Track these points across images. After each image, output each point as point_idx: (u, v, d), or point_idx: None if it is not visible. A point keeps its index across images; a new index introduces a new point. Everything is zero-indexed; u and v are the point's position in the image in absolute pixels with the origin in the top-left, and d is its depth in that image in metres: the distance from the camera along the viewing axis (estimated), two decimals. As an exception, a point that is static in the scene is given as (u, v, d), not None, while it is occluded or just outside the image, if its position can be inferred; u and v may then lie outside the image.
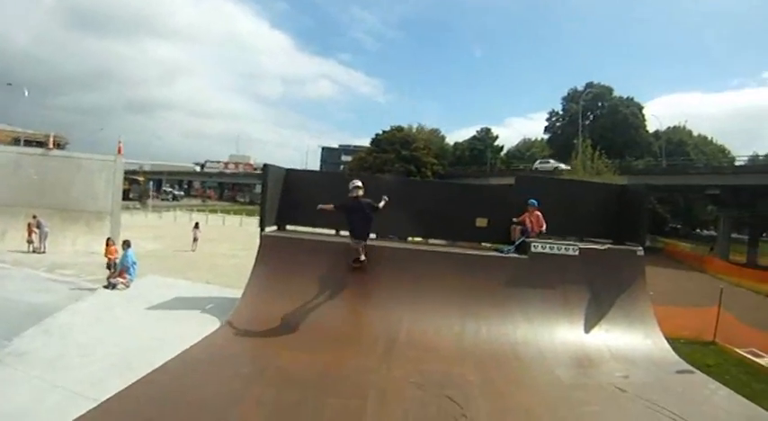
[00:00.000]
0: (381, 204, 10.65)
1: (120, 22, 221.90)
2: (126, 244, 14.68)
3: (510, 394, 7.67)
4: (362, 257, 10.76)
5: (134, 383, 6.95)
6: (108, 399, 6.39)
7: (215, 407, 6.55)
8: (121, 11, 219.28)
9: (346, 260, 10.95)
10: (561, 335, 9.98)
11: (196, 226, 31.88)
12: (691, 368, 9.44)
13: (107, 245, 16.91)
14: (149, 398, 6.73)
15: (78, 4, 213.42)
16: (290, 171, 13.49)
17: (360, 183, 10.75)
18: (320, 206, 10.40)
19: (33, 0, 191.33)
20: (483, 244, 13.08)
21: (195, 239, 30.53)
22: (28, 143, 47.98)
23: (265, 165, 12.42)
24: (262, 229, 12.05)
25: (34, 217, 22.81)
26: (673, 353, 9.88)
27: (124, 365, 7.64)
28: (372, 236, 13.22)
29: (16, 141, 51.88)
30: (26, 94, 65.56)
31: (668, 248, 57.18)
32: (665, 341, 10.17)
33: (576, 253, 11.09)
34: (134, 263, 14.03)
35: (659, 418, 7.04)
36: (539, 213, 11.68)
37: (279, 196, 12.76)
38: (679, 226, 78.66)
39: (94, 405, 6.24)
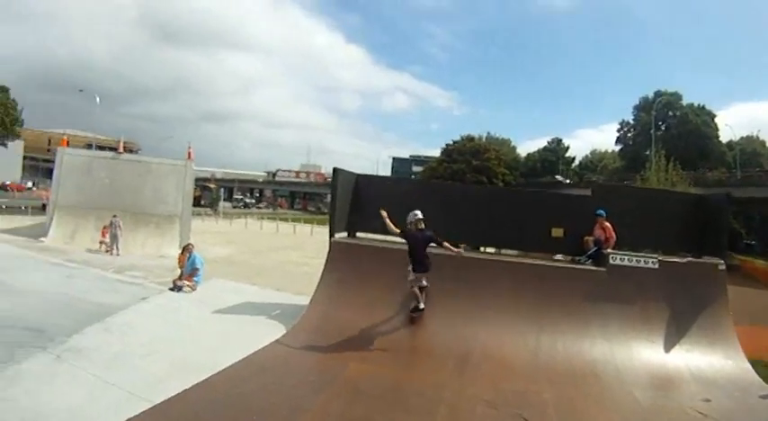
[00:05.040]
0: (446, 243, 10.05)
1: (198, 35, 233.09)
2: (189, 247, 14.74)
3: (587, 415, 7.32)
4: (422, 305, 10.02)
5: (193, 386, 6.84)
6: (165, 401, 6.28)
7: (278, 415, 6.37)
8: (200, 24, 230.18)
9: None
10: (640, 353, 9.56)
11: None
12: None
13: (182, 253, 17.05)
14: (208, 401, 6.61)
15: (158, 19, 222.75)
16: (360, 176, 13.41)
17: (420, 215, 10.05)
18: (384, 215, 10.15)
19: (114, 14, 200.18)
20: (557, 256, 12.79)
21: None
22: (100, 148, 49.96)
23: (335, 170, 12.27)
24: (331, 236, 11.97)
25: (114, 216, 23.28)
26: (756, 375, 9.23)
27: (184, 367, 7.55)
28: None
29: (89, 146, 54.16)
30: (98, 101, 68.07)
31: (745, 265, 53.62)
32: (748, 363, 9.54)
33: (656, 266, 10.56)
34: (201, 265, 14.08)
35: None
36: (608, 224, 11.30)
37: (349, 202, 12.69)
38: (754, 242, 74.67)
39: (150, 406, 6.14)
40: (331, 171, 13.28)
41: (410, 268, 10.00)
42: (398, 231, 10.03)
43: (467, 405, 7.13)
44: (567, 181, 78.62)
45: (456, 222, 12.59)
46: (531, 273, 10.92)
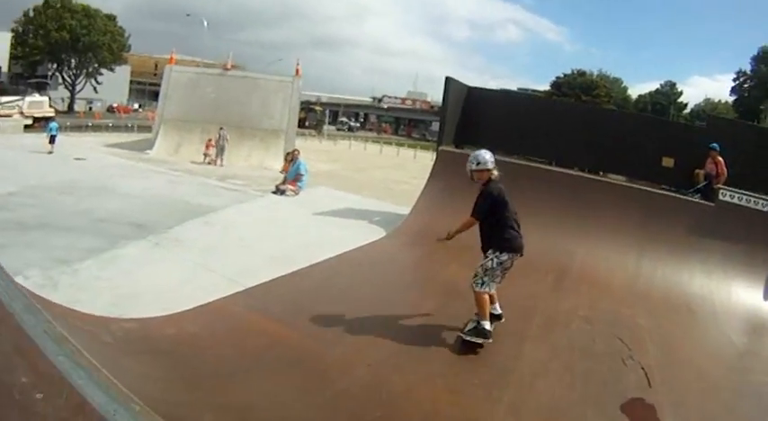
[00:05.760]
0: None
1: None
2: (295, 153, 14.80)
3: (680, 346, 6.88)
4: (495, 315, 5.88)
5: (289, 274, 6.82)
6: (255, 286, 6.25)
7: (369, 307, 6.24)
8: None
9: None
10: (739, 295, 8.87)
11: None
12: None
13: (286, 160, 17.15)
14: (299, 289, 6.60)
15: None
16: (472, 88, 13.15)
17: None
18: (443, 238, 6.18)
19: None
20: (663, 187, 12.15)
21: None
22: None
23: (447, 78, 11.92)
24: (439, 145, 11.92)
25: (221, 129, 23.73)
26: None
27: (279, 260, 7.48)
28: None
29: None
30: (205, 24, 68.33)
31: None
32: None
33: None
34: (305, 172, 14.15)
35: None
36: (720, 159, 10.71)
37: (459, 114, 12.54)
38: None
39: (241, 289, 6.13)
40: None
41: (495, 247, 5.67)
42: (469, 220, 6.01)
43: (563, 318, 6.93)
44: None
45: (566, 143, 12.55)
46: (637, 199, 10.50)
